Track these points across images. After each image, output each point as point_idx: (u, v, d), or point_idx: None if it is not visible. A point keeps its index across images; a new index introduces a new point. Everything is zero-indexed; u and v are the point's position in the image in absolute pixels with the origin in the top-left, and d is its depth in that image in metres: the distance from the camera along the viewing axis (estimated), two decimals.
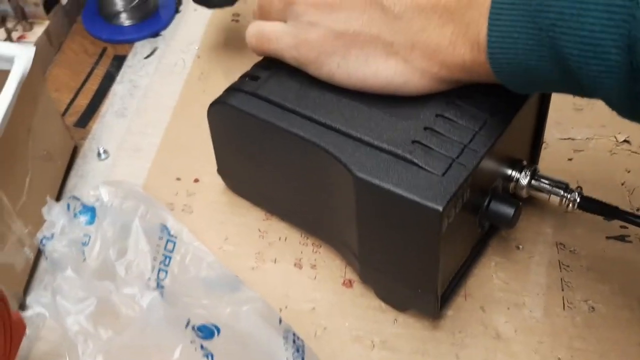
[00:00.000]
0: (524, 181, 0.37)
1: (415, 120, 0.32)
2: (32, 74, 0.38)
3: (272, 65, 0.36)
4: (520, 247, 0.39)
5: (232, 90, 0.36)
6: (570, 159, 0.44)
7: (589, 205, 0.36)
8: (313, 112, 0.33)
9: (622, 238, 0.40)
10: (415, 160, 0.30)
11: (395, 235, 0.31)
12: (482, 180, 0.33)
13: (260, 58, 0.38)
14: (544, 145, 0.44)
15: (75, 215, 0.34)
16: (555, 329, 0.36)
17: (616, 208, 0.35)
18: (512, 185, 0.37)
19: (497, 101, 0.33)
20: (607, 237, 0.40)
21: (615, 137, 0.45)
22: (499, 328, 0.36)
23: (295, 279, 0.38)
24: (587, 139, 0.45)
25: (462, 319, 0.36)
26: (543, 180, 0.37)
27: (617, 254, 0.39)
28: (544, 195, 0.37)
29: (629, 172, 0.43)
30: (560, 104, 0.47)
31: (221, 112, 0.36)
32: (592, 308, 0.37)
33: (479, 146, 0.31)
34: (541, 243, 0.40)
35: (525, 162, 0.38)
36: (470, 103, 0.32)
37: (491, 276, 0.38)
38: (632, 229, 0.39)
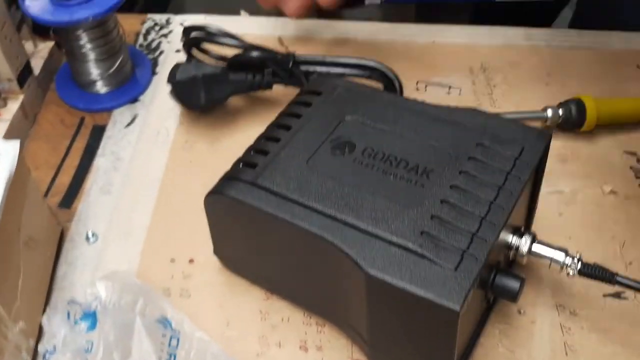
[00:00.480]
0: (525, 249, 0.37)
1: (421, 207, 0.32)
2: (17, 169, 0.37)
3: (267, 148, 0.36)
4: (522, 311, 0.40)
5: (229, 179, 0.35)
6: (560, 214, 0.45)
7: (589, 271, 0.36)
8: (317, 203, 0.33)
9: (618, 295, 0.40)
10: (427, 254, 0.30)
11: (409, 328, 0.31)
12: (490, 261, 0.34)
13: (252, 141, 0.37)
14: None
15: (75, 322, 0.33)
16: None
17: (615, 274, 0.36)
18: (512, 253, 0.38)
19: (500, 179, 0.33)
20: (604, 295, 0.40)
21: (602, 189, 0.46)
22: None
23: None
24: (574, 191, 0.46)
25: None
26: (543, 247, 0.37)
27: (615, 312, 0.40)
28: (543, 261, 0.38)
29: (617, 224, 0.44)
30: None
31: (219, 202, 0.35)
32: None
33: (488, 234, 0.31)
34: (541, 305, 0.40)
35: (522, 229, 0.38)
36: (474, 185, 0.33)
37: (496, 345, 0.38)
38: None
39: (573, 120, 0.48)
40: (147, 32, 0.59)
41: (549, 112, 0.48)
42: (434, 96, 0.53)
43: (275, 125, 0.38)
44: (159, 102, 0.53)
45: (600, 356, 0.38)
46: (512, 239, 0.37)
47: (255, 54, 0.47)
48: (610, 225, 0.44)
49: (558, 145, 0.49)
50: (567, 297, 0.40)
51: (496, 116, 0.38)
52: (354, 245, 0.31)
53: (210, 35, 0.49)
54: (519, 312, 0.40)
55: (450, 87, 0.54)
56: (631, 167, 0.48)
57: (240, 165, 0.36)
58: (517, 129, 0.36)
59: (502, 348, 0.38)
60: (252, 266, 0.39)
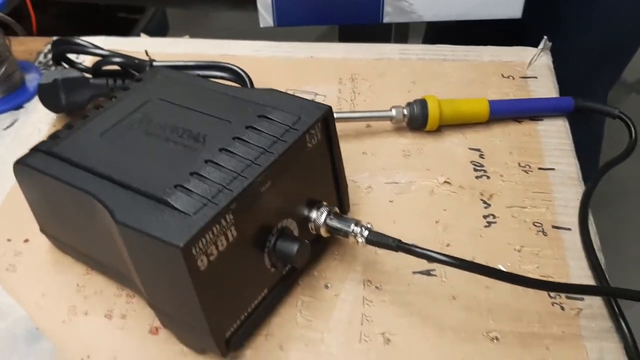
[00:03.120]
0: (320, 221, 0.39)
1: (185, 166, 0.34)
2: None
3: (73, 124, 0.39)
4: (329, 285, 0.41)
5: (32, 150, 0.38)
6: (391, 201, 0.46)
7: (375, 239, 0.38)
8: (97, 167, 0.35)
9: (428, 273, 0.41)
10: (173, 203, 0.32)
11: (161, 276, 0.33)
12: (261, 220, 0.35)
13: None
14: (368, 190, 0.47)
15: None
16: None
17: (398, 240, 0.37)
18: (311, 225, 0.39)
19: (267, 143, 0.35)
20: (414, 272, 0.41)
21: (437, 179, 0.48)
22: None
23: (103, 330, 0.39)
24: (410, 182, 0.48)
25: (259, 357, 0.37)
26: (337, 220, 0.39)
27: (422, 289, 0.40)
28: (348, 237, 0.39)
29: (445, 210, 0.45)
30: (390, 151, 0.50)
31: (21, 171, 0.38)
32: (388, 340, 0.38)
33: (236, 186, 0.33)
34: (349, 281, 0.41)
35: (325, 204, 0.40)
36: (241, 148, 0.35)
37: (295, 315, 0.39)
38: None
39: (417, 119, 0.50)
40: (49, 51, 0.64)
41: (394, 112, 0.51)
42: None
43: (93, 107, 0.41)
44: (40, 109, 0.56)
45: (395, 325, 0.38)
46: (308, 211, 0.39)
47: (114, 59, 0.51)
48: (436, 212, 0.45)
49: (405, 142, 0.51)
50: (377, 274, 0.41)
51: (287, 94, 0.40)
52: (115, 199, 0.33)
53: (76, 46, 0.53)
54: (326, 286, 0.41)
55: (316, 94, 0.57)
56: (472, 162, 0.49)
57: (47, 139, 0.39)
58: (300, 103, 0.38)
59: (301, 318, 0.39)
60: (64, 239, 0.41)
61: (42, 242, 0.43)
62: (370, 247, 0.42)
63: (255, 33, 0.69)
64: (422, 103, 0.50)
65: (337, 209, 0.40)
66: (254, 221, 0.35)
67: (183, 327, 0.35)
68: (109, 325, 0.39)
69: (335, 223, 0.39)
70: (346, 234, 0.38)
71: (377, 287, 0.40)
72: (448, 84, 0.56)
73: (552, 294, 0.39)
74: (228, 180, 0.33)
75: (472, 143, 0.51)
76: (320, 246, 0.41)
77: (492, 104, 0.51)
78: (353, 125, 0.52)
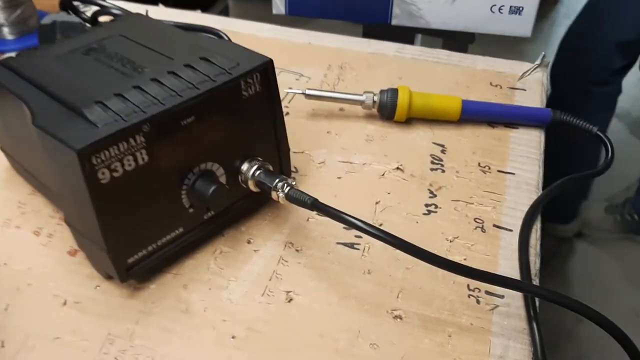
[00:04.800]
0: (249, 173, 0.39)
1: (113, 88, 0.35)
2: None
3: (38, 47, 0.41)
4: (251, 241, 0.41)
5: None
6: (339, 177, 0.46)
7: (295, 195, 0.38)
8: (36, 77, 0.37)
9: (351, 245, 0.41)
10: (86, 114, 0.33)
11: (67, 185, 0.34)
12: (181, 155, 0.36)
13: None
14: (320, 165, 0.47)
15: None
16: (243, 312, 0.36)
17: (314, 199, 0.37)
18: (241, 177, 0.40)
19: (197, 79, 0.36)
20: (338, 243, 0.41)
21: (390, 164, 0.47)
22: (191, 304, 0.37)
23: (28, 243, 0.40)
24: (364, 164, 0.47)
25: (161, 292, 0.37)
26: (266, 174, 0.39)
27: (340, 259, 0.40)
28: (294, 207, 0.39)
29: (389, 193, 0.45)
30: (354, 134, 0.50)
31: None
32: (291, 299, 0.37)
33: (150, 110, 0.34)
34: (273, 241, 0.41)
35: (259, 159, 0.40)
36: (172, 81, 0.36)
37: (209, 261, 0.39)
38: (365, 238, 0.41)
39: (386, 106, 0.50)
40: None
41: (364, 96, 0.51)
42: (284, 80, 0.57)
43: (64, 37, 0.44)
44: None
45: (302, 287, 0.38)
46: (239, 163, 0.39)
47: (111, 10, 0.54)
48: (380, 193, 0.45)
49: (371, 128, 0.51)
50: (301, 238, 0.41)
51: (239, 45, 0.41)
52: (41, 106, 0.35)
53: None
54: (248, 241, 0.41)
55: (301, 75, 0.57)
56: (432, 155, 0.48)
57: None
58: (244, 52, 0.39)
59: (214, 265, 0.39)
60: (15, 156, 0.43)
61: (1, 161, 0.46)
62: (302, 213, 0.42)
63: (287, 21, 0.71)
64: (394, 92, 0.50)
65: (270, 167, 0.40)
66: (171, 153, 0.35)
67: (90, 248, 0.36)
68: (34, 241, 0.40)
69: (262, 177, 0.39)
70: (269, 190, 0.39)
71: (297, 250, 0.40)
72: (433, 84, 0.56)
73: (471, 286, 0.38)
74: (147, 104, 0.34)
75: (438, 138, 0.50)
76: (252, 203, 0.42)
77: (466, 103, 0.51)
78: (327, 107, 0.53)
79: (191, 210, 0.38)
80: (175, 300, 0.37)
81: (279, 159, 0.42)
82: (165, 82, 0.36)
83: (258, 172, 0.39)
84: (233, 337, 0.35)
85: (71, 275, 0.38)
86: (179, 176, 0.37)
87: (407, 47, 0.62)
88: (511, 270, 0.40)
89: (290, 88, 0.51)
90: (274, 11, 0.70)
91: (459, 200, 0.44)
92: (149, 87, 0.35)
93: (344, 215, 0.36)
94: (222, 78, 0.37)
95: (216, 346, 0.35)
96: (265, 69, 0.39)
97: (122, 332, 0.35)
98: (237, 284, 0.38)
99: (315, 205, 0.37)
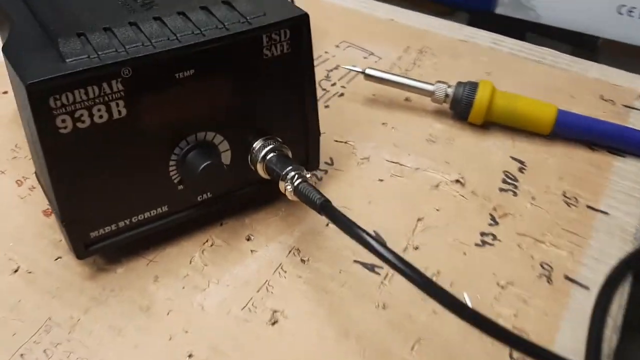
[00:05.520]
0: (260, 153, 0.32)
1: (109, 21, 0.29)
2: None
3: None
4: (252, 238, 0.33)
5: None
6: (381, 180, 0.37)
7: (305, 191, 0.29)
8: (36, 5, 0.31)
9: (372, 267, 0.32)
10: (59, 45, 0.26)
11: (28, 129, 0.28)
12: (172, 115, 0.29)
13: None
14: (363, 161, 0.39)
15: None
16: (213, 325, 0.29)
17: (326, 200, 0.29)
18: (250, 157, 0.32)
19: (209, 25, 0.29)
20: (355, 261, 0.32)
21: (449, 175, 0.38)
22: (155, 303, 0.30)
23: (4, 191, 0.35)
24: (417, 168, 0.38)
25: (126, 279, 0.31)
26: (279, 159, 0.31)
27: (353, 282, 0.31)
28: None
29: (438, 210, 0.35)
30: (415, 130, 0.41)
31: None
32: (276, 321, 0.29)
33: (137, 52, 0.27)
34: (277, 242, 0.33)
35: (279, 140, 0.32)
36: (177, 22, 0.29)
37: (194, 253, 0.32)
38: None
39: (460, 102, 0.41)
40: None
41: (435, 87, 0.41)
42: (349, 56, 0.48)
43: None
44: None
45: (295, 308, 0.30)
46: (251, 139, 0.32)
47: None
48: (426, 208, 0.35)
49: (438, 127, 0.42)
50: (312, 247, 0.33)
51: None
52: (21, 29, 0.29)
53: None
54: (248, 238, 0.33)
55: (371, 53, 0.49)
56: (506, 172, 0.38)
57: None
58: (279, 2, 0.31)
59: (198, 259, 0.32)
60: None
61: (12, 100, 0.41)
62: (323, 218, 0.34)
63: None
64: (472, 86, 0.41)
65: (288, 151, 0.32)
66: (159, 111, 0.28)
67: (56, 213, 0.30)
68: (14, 190, 0.35)
69: (272, 162, 0.31)
70: (278, 178, 0.31)
71: (302, 260, 0.32)
72: (528, 86, 0.45)
73: (514, 355, 0.29)
74: (135, 44, 0.27)
75: (518, 152, 0.40)
76: (262, 192, 0.34)
77: (562, 114, 0.40)
78: (391, 93, 0.44)
79: (181, 187, 0.31)
80: (139, 293, 0.30)
81: (305, 143, 0.34)
82: (168, 22, 0.29)
83: (271, 154, 0.32)
84: (190, 356, 0.28)
85: (37, 238, 0.33)
86: (167, 143, 0.30)
87: (507, 39, 0.51)
88: (574, 343, 0.29)
89: (355, 65, 0.43)
90: None
91: (525, 235, 0.34)
92: (146, 25, 0.28)
93: (356, 229, 0.27)
94: (238, 27, 0.29)
95: None
96: (298, 26, 0.30)
97: (64, 321, 0.29)
98: (217, 288, 0.31)
99: (324, 209, 0.29)
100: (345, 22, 0.53)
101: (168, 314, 0.29)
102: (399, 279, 0.31)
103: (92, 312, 0.29)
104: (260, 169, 0.32)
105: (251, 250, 0.33)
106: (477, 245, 0.33)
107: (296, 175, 0.30)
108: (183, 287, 0.31)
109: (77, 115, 0.26)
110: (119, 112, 0.27)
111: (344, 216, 0.28)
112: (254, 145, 0.32)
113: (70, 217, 0.28)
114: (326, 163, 0.38)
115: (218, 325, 0.29)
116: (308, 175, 0.30)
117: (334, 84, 0.45)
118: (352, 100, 0.44)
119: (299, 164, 0.31)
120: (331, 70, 0.47)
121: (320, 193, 0.29)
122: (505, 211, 0.36)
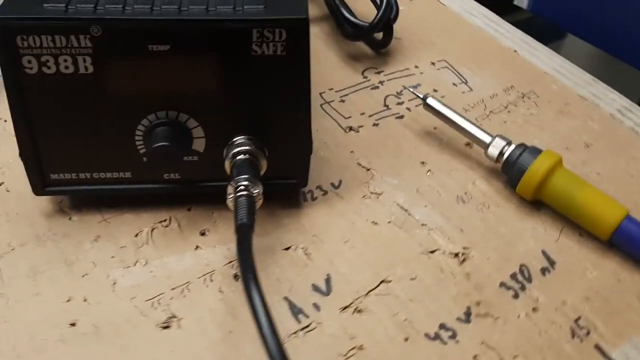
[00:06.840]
0: (230, 152, 0.30)
1: None
2: None
3: None
4: (207, 233, 0.32)
5: None
6: (374, 223, 0.33)
7: (236, 207, 0.27)
8: None
9: (297, 312, 0.29)
10: None
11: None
12: (142, 85, 0.28)
13: None
14: (370, 195, 0.35)
15: None
16: (99, 308, 0.28)
17: (243, 225, 0.26)
18: (224, 152, 0.30)
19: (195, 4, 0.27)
20: (285, 298, 0.29)
21: (453, 244, 0.32)
22: (79, 260, 0.30)
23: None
24: (422, 225, 0.33)
25: (73, 229, 0.31)
26: (242, 163, 0.29)
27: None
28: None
29: (413, 279, 0.30)
30: (451, 181, 0.36)
31: None
32: (168, 326, 0.28)
33: (111, 14, 0.26)
34: (226, 248, 0.31)
35: (259, 144, 0.30)
36: None
37: (144, 229, 0.32)
38: (322, 311, 0.28)
39: (512, 169, 0.34)
40: None
41: (494, 140, 0.35)
42: (437, 78, 0.43)
43: None
44: None
45: (199, 321, 0.28)
46: (231, 135, 0.30)
47: None
48: (402, 272, 0.31)
49: (478, 187, 0.35)
50: (259, 263, 0.30)
51: None
52: None
53: None
54: (203, 232, 0.32)
55: (464, 82, 0.43)
56: (524, 265, 0.31)
57: None
58: (297, 3, 0.28)
59: (145, 235, 0.31)
60: None
61: None
62: (286, 241, 0.32)
63: None
64: (532, 153, 0.34)
65: (262, 161, 0.30)
66: (128, 77, 0.28)
67: None
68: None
69: (237, 163, 0.29)
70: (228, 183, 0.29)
71: (236, 276, 0.30)
72: (625, 178, 0.36)
73: None
74: (112, 7, 0.27)
75: (556, 250, 0.32)
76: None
77: (630, 222, 0.31)
78: (453, 132, 0.38)
79: (145, 159, 0.31)
80: (74, 246, 0.31)
81: (292, 158, 0.31)
82: None
83: (241, 156, 0.30)
84: (71, 325, 0.28)
85: (17, 183, 0.34)
86: (135, 112, 0.29)
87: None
88: None
89: (417, 89, 0.38)
90: (515, 1, 0.54)
91: (491, 349, 0.28)
92: None
93: (248, 272, 0.24)
94: (226, 14, 0.27)
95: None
96: (294, 29, 0.27)
97: (1, 247, 0.30)
98: (139, 270, 0.30)
99: (239, 231, 0.26)
100: (459, 39, 0.47)
101: (83, 276, 0.30)
102: (316, 337, 0.27)
103: (27, 247, 0.31)
104: (227, 165, 0.30)
105: (197, 246, 0.31)
106: (426, 335, 0.28)
107: (244, 187, 0.28)
108: (112, 257, 0.30)
109: (43, 59, 0.27)
110: (86, 67, 0.27)
111: (246, 248, 0.25)
112: (232, 141, 0.30)
113: (26, 153, 0.29)
114: (332, 184, 0.35)
115: (116, 307, 0.28)
116: (255, 193, 0.28)
117: (400, 103, 0.41)
118: (407, 127, 0.39)
119: (284, 177, 0.31)
120: (406, 89, 0.42)
121: (251, 215, 0.27)
122: (488, 311, 0.29)
